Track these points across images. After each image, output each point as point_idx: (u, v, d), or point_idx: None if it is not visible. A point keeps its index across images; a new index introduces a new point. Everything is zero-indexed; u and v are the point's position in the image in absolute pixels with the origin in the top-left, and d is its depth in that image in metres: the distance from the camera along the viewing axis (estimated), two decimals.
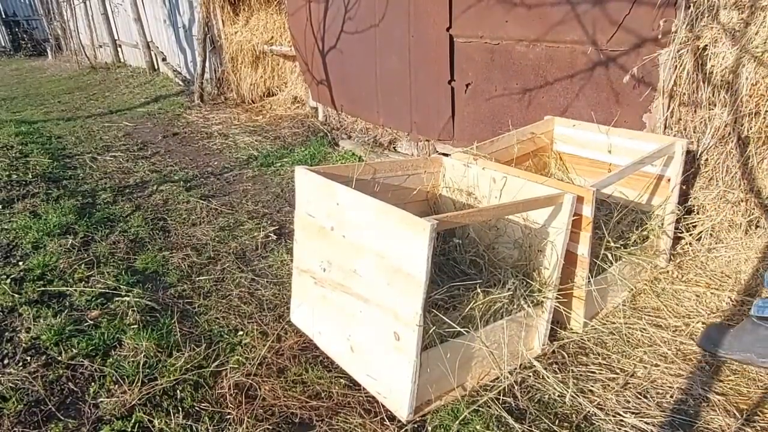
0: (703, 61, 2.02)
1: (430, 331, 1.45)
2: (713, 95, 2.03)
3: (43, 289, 2.20)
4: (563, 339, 1.78)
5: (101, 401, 1.59)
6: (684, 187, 2.08)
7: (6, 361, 1.79)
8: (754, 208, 2.05)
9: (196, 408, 1.56)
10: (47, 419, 1.55)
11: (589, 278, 1.74)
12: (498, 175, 1.86)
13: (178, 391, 1.61)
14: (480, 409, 1.49)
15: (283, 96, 5.67)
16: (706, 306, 1.90)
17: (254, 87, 5.84)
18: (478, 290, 1.58)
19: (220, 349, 1.81)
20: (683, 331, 1.78)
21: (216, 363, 1.74)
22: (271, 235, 2.68)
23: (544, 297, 1.67)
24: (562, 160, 2.42)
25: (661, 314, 1.87)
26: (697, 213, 2.16)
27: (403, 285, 1.35)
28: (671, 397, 1.53)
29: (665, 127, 2.21)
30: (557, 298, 1.68)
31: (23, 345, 1.85)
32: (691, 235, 2.16)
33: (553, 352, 1.72)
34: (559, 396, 1.54)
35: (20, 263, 2.43)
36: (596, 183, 1.69)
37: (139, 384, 1.63)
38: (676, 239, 2.17)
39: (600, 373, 1.62)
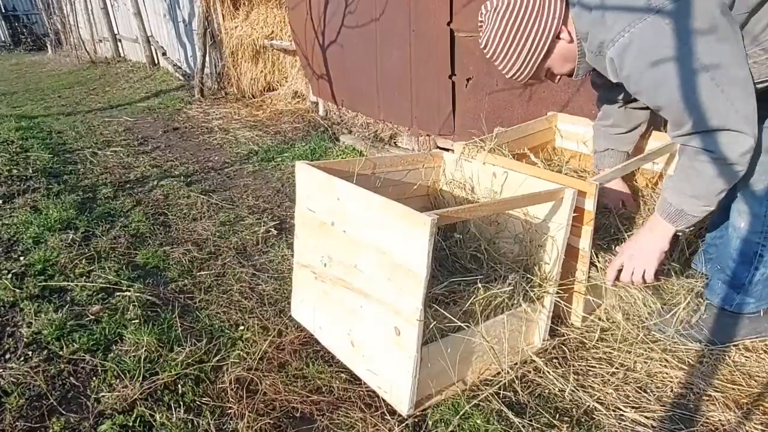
0: None
1: (431, 326, 1.45)
2: None
3: (44, 284, 2.20)
4: (563, 334, 1.78)
5: (103, 396, 1.59)
6: None
7: (8, 356, 1.80)
8: None
9: (198, 402, 1.56)
10: (49, 413, 1.55)
11: (589, 273, 1.74)
12: (499, 170, 1.86)
13: (179, 386, 1.62)
14: (480, 403, 1.49)
15: (283, 91, 5.66)
16: (704, 300, 1.89)
17: (254, 82, 5.82)
18: (479, 285, 1.58)
19: (221, 344, 1.81)
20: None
21: (217, 358, 1.74)
22: (272, 230, 2.68)
23: (544, 292, 1.67)
24: (565, 156, 2.42)
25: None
26: None
27: (403, 280, 1.35)
28: (671, 391, 1.53)
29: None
30: (558, 293, 1.68)
31: (25, 340, 1.86)
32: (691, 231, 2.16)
33: (554, 347, 1.73)
34: (559, 391, 1.55)
35: (21, 258, 2.43)
36: (599, 177, 1.69)
37: (141, 379, 1.64)
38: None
39: (600, 368, 1.63)
